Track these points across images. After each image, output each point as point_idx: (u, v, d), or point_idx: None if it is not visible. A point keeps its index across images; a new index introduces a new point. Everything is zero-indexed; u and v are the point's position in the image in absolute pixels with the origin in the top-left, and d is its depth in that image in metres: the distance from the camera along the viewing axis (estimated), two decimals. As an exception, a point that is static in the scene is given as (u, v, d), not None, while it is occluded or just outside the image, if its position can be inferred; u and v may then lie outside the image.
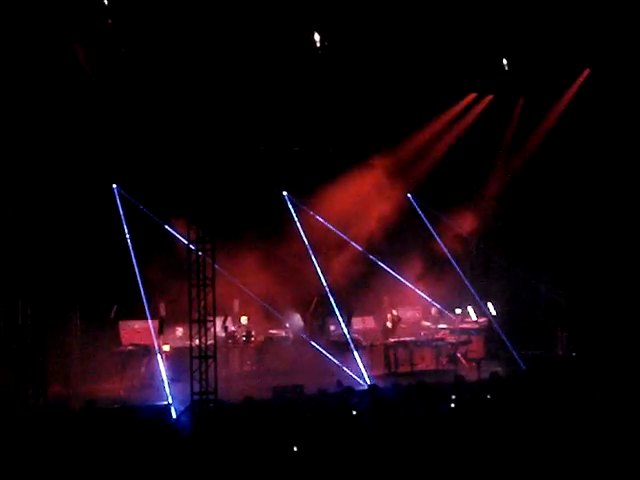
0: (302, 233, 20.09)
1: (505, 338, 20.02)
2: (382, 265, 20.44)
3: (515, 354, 19.60)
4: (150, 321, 18.26)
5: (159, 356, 17.72)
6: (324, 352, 18.77)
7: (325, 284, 19.72)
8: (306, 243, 20.03)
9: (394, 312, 20.14)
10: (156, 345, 18.20)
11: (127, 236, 18.62)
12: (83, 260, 18.25)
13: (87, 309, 18.44)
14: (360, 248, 20.34)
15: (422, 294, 20.60)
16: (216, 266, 15.98)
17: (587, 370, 18.23)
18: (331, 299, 19.60)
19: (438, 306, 20.58)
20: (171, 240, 18.62)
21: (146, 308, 18.08)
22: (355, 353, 18.65)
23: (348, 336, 19.09)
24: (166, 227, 18.71)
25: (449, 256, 21.11)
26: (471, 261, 22.14)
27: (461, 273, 21.04)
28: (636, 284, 20.70)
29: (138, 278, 18.17)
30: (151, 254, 18.73)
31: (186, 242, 15.97)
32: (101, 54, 16.96)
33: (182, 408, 15.32)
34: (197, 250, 15.60)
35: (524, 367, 19.21)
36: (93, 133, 17.50)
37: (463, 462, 10.70)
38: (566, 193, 21.24)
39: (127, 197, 18.62)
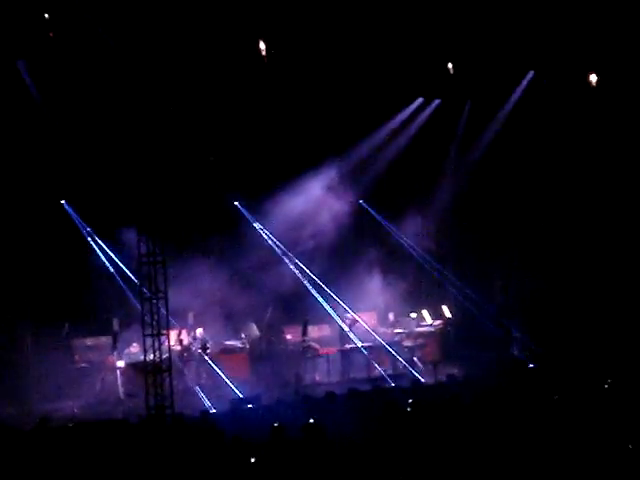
0: (258, 242, 20.04)
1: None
2: (318, 281, 20.36)
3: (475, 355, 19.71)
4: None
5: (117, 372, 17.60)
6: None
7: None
8: (261, 250, 19.98)
9: (347, 319, 20.14)
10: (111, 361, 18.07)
11: (89, 247, 18.47)
12: (34, 278, 18.04)
13: (38, 328, 18.22)
14: (298, 264, 20.23)
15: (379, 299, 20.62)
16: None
17: (542, 371, 18.38)
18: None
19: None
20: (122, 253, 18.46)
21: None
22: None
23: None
24: (114, 244, 18.57)
25: (411, 255, 21.20)
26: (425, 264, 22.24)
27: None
28: (589, 285, 20.97)
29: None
30: (102, 269, 18.60)
31: (137, 255, 15.78)
32: (43, 68, 16.77)
33: None
34: (148, 262, 15.43)
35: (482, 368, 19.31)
36: (38, 148, 17.31)
37: (421, 468, 10.71)
38: (517, 193, 21.44)
39: (73, 215, 18.48)
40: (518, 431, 12.14)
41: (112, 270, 18.65)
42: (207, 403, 16.69)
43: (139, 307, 15.61)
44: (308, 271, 20.14)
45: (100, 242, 18.88)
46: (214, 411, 15.88)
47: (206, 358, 19.10)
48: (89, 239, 18.90)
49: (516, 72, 20.53)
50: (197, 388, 18.41)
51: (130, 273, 17.93)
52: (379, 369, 19.49)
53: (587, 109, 20.39)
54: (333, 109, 19.21)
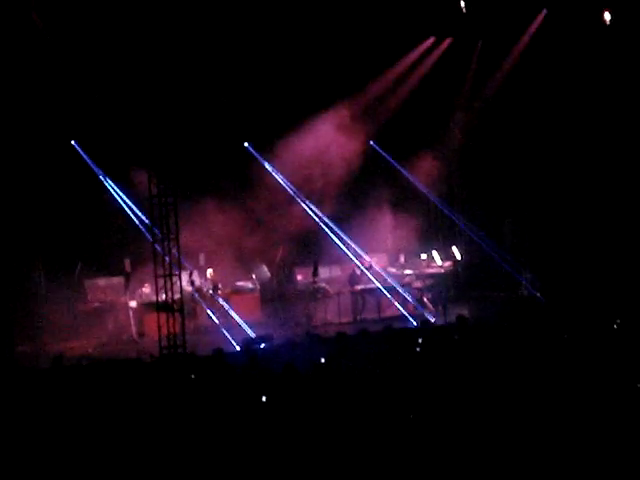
0: (269, 183, 20.02)
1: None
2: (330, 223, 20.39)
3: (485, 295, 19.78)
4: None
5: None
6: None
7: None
8: (272, 193, 19.96)
9: (364, 261, 20.20)
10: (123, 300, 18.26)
11: (103, 185, 18.51)
12: (46, 218, 18.13)
13: (51, 267, 18.38)
14: (309, 205, 20.23)
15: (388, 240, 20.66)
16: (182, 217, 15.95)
17: (552, 311, 18.45)
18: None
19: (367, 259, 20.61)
20: (134, 194, 18.48)
21: None
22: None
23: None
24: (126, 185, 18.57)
25: (420, 194, 21.17)
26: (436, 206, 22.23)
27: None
28: (599, 226, 20.95)
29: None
30: (113, 210, 18.66)
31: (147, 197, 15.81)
32: (54, 7, 16.62)
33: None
34: (160, 204, 15.48)
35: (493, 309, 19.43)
36: (49, 88, 17.24)
37: (430, 406, 10.83)
38: (528, 135, 21.31)
39: (85, 154, 18.47)
40: (526, 371, 12.25)
41: (124, 210, 18.67)
42: (219, 343, 16.83)
43: (151, 248, 15.70)
44: (319, 212, 20.14)
45: (112, 183, 18.88)
46: (226, 350, 16.00)
47: (217, 299, 19.26)
48: (101, 179, 18.90)
49: (529, 10, 20.24)
50: (209, 328, 18.62)
51: (142, 214, 17.97)
52: (391, 309, 19.62)
53: (600, 48, 20.15)
54: (344, 48, 19.00)
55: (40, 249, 18.20)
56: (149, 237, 16.12)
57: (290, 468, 9.27)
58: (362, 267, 19.82)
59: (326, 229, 20.26)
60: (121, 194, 18.87)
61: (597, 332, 15.01)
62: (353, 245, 20.44)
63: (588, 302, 18.28)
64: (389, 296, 19.32)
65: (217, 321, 19.11)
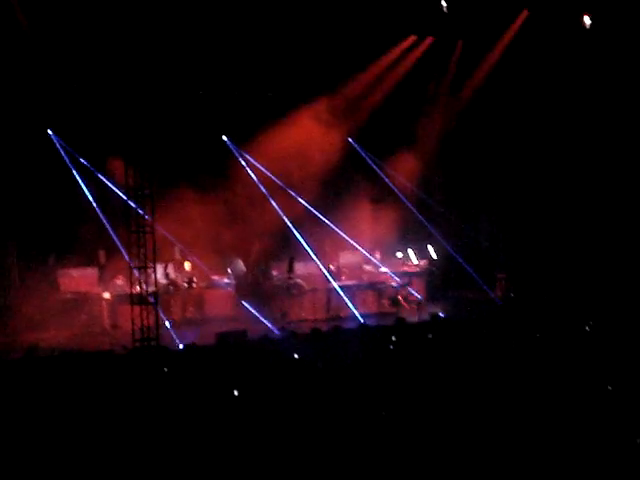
0: (246, 177, 19.95)
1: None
2: (317, 213, 20.37)
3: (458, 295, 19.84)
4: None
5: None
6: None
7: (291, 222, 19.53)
8: (249, 188, 19.89)
9: (335, 261, 20.22)
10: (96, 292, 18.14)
11: (74, 180, 18.36)
12: (20, 207, 17.98)
13: (25, 257, 18.22)
14: (300, 194, 20.24)
15: (355, 244, 20.61)
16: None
17: (525, 311, 18.56)
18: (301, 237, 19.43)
19: (365, 255, 20.63)
20: (108, 186, 18.36)
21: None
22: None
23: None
24: (102, 175, 18.44)
25: (398, 196, 21.18)
26: (412, 204, 22.26)
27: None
28: (575, 225, 21.08)
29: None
30: (89, 200, 18.55)
31: (124, 188, 15.73)
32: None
33: None
34: (136, 195, 15.39)
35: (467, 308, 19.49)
36: (26, 76, 17.09)
37: (402, 402, 10.86)
38: (506, 134, 21.41)
39: (60, 143, 18.33)
40: (498, 370, 12.31)
41: (98, 202, 18.55)
42: (192, 337, 16.77)
43: (126, 240, 15.61)
44: (304, 202, 20.09)
45: (87, 173, 18.73)
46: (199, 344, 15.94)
47: (192, 292, 19.19)
48: (76, 170, 18.76)
49: (510, 11, 20.31)
50: (182, 322, 18.56)
51: (118, 205, 17.84)
52: (363, 307, 19.63)
53: (580, 51, 20.27)
54: (325, 45, 18.97)
55: (13, 238, 18.04)
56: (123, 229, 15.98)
57: (260, 462, 9.26)
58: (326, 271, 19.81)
59: (300, 226, 20.23)
60: (98, 183, 18.70)
61: (569, 332, 15.13)
62: (328, 241, 20.47)
63: (562, 303, 18.42)
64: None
65: (191, 315, 19.09)
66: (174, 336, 16.54)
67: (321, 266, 19.63)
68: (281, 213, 19.98)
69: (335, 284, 19.37)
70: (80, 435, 10.23)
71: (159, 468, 9.41)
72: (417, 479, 8.85)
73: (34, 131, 18.10)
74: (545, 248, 21.13)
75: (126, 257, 15.74)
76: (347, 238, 20.19)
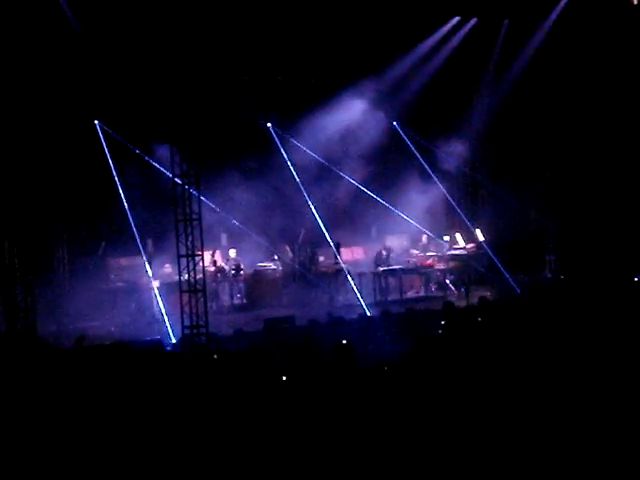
0: (289, 164, 19.93)
1: (497, 261, 20.05)
2: (370, 194, 20.32)
3: (508, 278, 19.64)
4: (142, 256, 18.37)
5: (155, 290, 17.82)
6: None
7: (315, 214, 19.59)
8: (294, 174, 19.86)
9: (386, 244, 20.18)
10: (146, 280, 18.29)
11: (113, 172, 18.48)
12: (69, 198, 18.17)
13: (75, 247, 18.44)
14: (347, 177, 20.19)
15: (411, 221, 20.53)
16: (202, 198, 15.92)
17: (575, 293, 18.33)
18: (323, 229, 19.51)
19: (429, 233, 20.52)
20: (156, 174, 18.45)
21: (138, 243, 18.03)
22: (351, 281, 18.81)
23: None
24: (150, 161, 18.52)
25: (438, 184, 21.01)
26: (459, 188, 22.10)
27: (451, 200, 21.00)
28: (624, 208, 20.77)
29: (129, 215, 18.09)
30: (137, 189, 18.68)
31: (170, 175, 15.79)
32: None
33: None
34: (183, 183, 15.47)
35: (517, 291, 19.28)
36: (71, 66, 17.23)
37: (453, 389, 10.77)
38: (554, 116, 21.13)
39: (109, 132, 18.46)
40: (550, 353, 12.17)
41: (146, 191, 18.67)
42: (240, 323, 16.85)
43: (173, 228, 15.70)
44: (353, 181, 20.04)
45: (135, 162, 18.83)
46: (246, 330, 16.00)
47: (239, 279, 19.28)
48: (124, 159, 18.87)
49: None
50: (231, 308, 18.66)
51: (165, 193, 17.93)
52: (413, 291, 19.58)
53: (628, 28, 19.89)
54: (368, 27, 18.84)
55: (63, 228, 18.25)
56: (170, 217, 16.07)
57: (311, 447, 9.26)
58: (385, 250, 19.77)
59: (349, 210, 20.18)
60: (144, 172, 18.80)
61: (619, 314, 14.91)
62: (374, 227, 20.43)
63: (612, 284, 18.16)
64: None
65: (239, 302, 19.19)
66: (222, 323, 16.61)
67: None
68: (332, 195, 19.94)
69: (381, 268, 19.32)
70: (131, 423, 10.30)
71: (212, 455, 9.46)
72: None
73: (81, 122, 18.26)
74: (596, 230, 20.82)
75: (174, 246, 15.80)
76: (402, 216, 20.05)
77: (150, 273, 18.17)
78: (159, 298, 17.58)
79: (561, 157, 21.39)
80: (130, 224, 18.37)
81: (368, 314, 17.19)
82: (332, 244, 19.45)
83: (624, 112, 20.63)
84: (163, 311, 17.12)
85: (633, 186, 20.82)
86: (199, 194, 15.56)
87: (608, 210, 20.84)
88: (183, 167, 15.49)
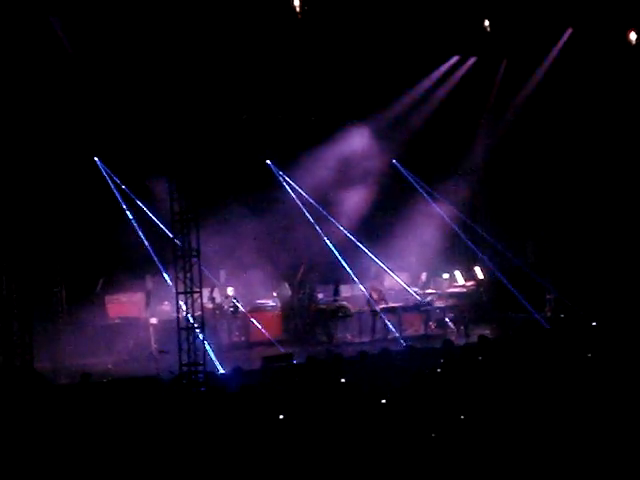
0: (290, 200, 19.95)
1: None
2: (360, 245, 20.29)
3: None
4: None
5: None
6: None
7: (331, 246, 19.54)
8: (293, 211, 19.88)
9: (375, 286, 20.10)
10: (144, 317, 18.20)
11: (120, 206, 18.52)
12: (67, 234, 18.15)
13: (73, 283, 18.37)
14: (341, 221, 20.16)
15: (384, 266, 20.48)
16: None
17: (576, 331, 18.27)
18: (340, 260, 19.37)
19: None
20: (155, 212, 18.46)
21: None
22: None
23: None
24: (143, 202, 18.56)
25: (437, 221, 21.03)
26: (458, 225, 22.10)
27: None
28: (623, 246, 20.78)
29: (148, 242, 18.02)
30: (134, 227, 18.68)
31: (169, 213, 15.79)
32: (77, 24, 16.69)
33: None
34: (181, 220, 15.46)
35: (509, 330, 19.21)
36: (70, 105, 17.30)
37: (452, 426, 10.71)
38: (552, 155, 21.19)
39: (106, 171, 18.51)
40: (548, 391, 12.10)
41: (145, 228, 18.66)
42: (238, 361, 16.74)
43: (172, 265, 15.66)
44: (342, 229, 20.05)
45: (134, 198, 18.86)
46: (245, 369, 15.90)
47: (238, 316, 19.20)
48: (121, 196, 18.89)
49: (554, 29, 20.14)
50: (229, 346, 18.54)
51: (164, 230, 17.94)
52: (412, 329, 19.49)
53: (626, 68, 20.02)
54: (367, 67, 18.96)
55: (61, 264, 18.20)
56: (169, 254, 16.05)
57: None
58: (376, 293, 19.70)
59: (346, 248, 20.16)
60: (144, 209, 18.82)
61: (621, 353, 14.84)
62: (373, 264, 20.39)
63: (613, 323, 18.11)
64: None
65: (237, 339, 19.09)
66: (220, 360, 16.51)
67: (365, 292, 19.56)
68: (329, 234, 19.93)
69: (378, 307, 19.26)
70: (129, 459, 10.23)
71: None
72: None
73: (80, 159, 18.30)
74: (594, 268, 20.80)
75: (171, 283, 15.76)
76: (383, 265, 20.04)
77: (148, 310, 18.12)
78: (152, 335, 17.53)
79: (560, 197, 21.40)
80: (129, 260, 18.33)
81: (366, 352, 17.07)
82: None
83: (623, 152, 20.69)
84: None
85: (631, 225, 20.82)
86: (198, 231, 15.53)
87: (607, 249, 20.84)
88: (182, 204, 15.48)
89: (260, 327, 18.77)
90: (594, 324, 18.28)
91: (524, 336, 18.32)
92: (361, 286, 19.85)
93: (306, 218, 19.98)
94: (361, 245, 20.07)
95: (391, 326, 19.17)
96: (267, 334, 18.77)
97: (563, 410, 11.13)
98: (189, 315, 15.34)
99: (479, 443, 10.00)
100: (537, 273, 21.45)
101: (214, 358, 16.26)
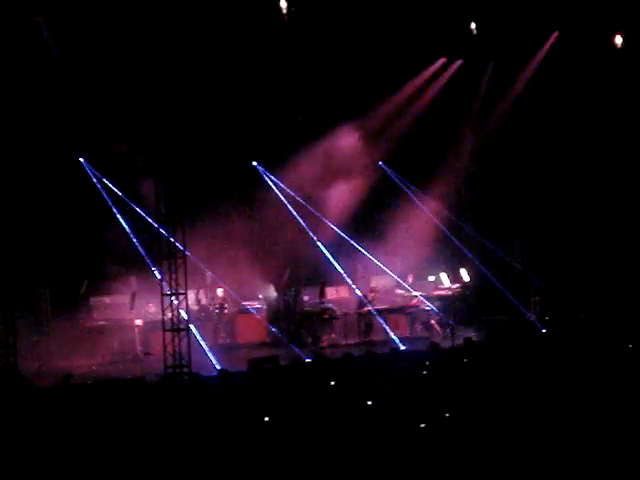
0: (276, 202, 19.91)
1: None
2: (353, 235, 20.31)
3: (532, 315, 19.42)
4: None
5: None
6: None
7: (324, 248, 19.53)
8: (279, 212, 19.83)
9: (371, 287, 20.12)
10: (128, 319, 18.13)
11: (107, 207, 18.44)
12: (51, 235, 18.07)
13: (57, 285, 18.28)
14: (331, 220, 20.15)
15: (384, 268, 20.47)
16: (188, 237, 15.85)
17: (559, 334, 18.32)
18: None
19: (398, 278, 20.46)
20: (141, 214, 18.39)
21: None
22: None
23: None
24: (132, 203, 18.49)
25: (423, 223, 21.02)
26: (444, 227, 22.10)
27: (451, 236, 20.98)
28: (608, 249, 20.83)
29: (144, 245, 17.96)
30: (121, 227, 18.60)
31: (155, 216, 15.75)
32: (63, 26, 16.62)
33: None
34: (167, 222, 15.41)
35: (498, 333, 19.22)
36: (56, 105, 17.23)
37: (438, 426, 10.70)
38: (538, 156, 21.23)
39: (92, 171, 18.43)
40: (532, 394, 12.12)
41: (130, 229, 18.58)
42: (223, 363, 16.70)
43: (158, 266, 15.62)
44: (335, 228, 20.02)
45: (119, 200, 18.77)
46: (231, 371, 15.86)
47: (223, 318, 19.15)
48: (108, 196, 18.80)
49: (540, 32, 20.19)
50: (214, 348, 18.48)
51: (149, 232, 17.87)
52: (396, 332, 19.46)
53: (612, 71, 20.10)
54: (354, 69, 18.95)
55: (46, 266, 18.11)
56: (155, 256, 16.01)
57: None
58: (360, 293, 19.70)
59: (332, 250, 20.14)
60: (131, 210, 18.73)
61: (607, 356, 14.89)
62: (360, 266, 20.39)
63: (599, 324, 18.17)
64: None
65: (223, 341, 19.04)
66: (206, 362, 16.46)
67: (357, 292, 19.55)
68: (316, 236, 19.91)
69: (367, 308, 19.25)
70: (112, 462, 10.18)
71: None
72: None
73: (65, 159, 18.22)
74: (580, 269, 20.84)
75: (158, 284, 15.70)
76: (378, 263, 20.07)
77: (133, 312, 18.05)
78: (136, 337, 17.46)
79: (547, 196, 21.43)
80: (113, 262, 18.25)
81: (351, 354, 17.05)
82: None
83: (610, 153, 20.76)
84: None
85: (618, 226, 20.89)
86: (184, 233, 15.48)
87: (594, 249, 20.90)
88: (168, 205, 15.44)
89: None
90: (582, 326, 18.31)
91: (509, 338, 18.37)
92: (354, 286, 19.83)
93: (292, 219, 19.92)
94: (354, 243, 20.03)
95: (386, 328, 19.19)
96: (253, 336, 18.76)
97: (549, 410, 11.15)
98: (174, 317, 15.28)
99: (465, 444, 10.00)
100: (524, 274, 21.49)
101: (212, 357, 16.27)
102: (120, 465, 10.07)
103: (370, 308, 19.43)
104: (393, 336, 18.60)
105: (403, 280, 20.73)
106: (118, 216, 18.60)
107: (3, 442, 10.98)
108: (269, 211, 19.83)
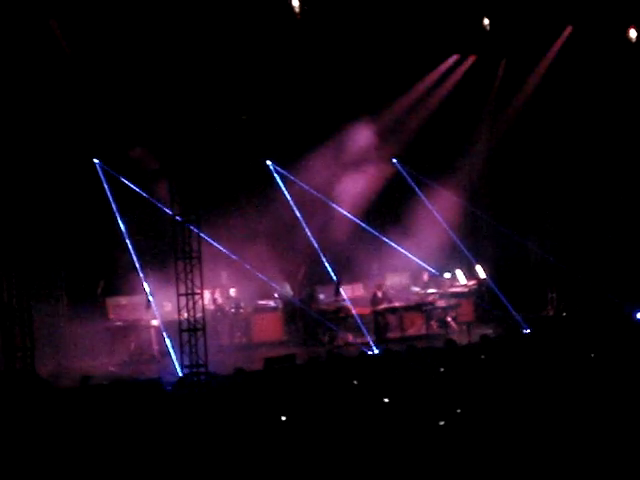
0: (289, 201, 19.91)
1: (502, 298, 19.92)
2: (370, 231, 20.29)
3: (517, 316, 19.45)
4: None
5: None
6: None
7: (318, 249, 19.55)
8: (294, 211, 19.84)
9: (380, 283, 20.05)
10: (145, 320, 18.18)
11: (114, 210, 18.48)
12: (68, 236, 18.16)
13: (74, 286, 18.37)
14: (347, 214, 20.15)
15: (414, 258, 20.44)
16: (204, 236, 15.88)
17: (578, 330, 18.23)
18: (327, 265, 19.45)
19: (432, 270, 20.40)
20: (156, 214, 18.41)
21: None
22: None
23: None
24: (150, 199, 18.51)
25: (439, 219, 20.95)
26: (460, 224, 22.03)
27: (454, 236, 20.89)
28: (624, 242, 20.74)
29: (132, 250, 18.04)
30: (136, 228, 18.65)
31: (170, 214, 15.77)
32: (76, 27, 16.68)
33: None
34: (182, 221, 15.44)
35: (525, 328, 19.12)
36: (72, 107, 17.31)
37: (455, 427, 10.68)
38: (554, 152, 21.16)
39: (109, 171, 18.48)
40: (550, 390, 12.08)
41: (145, 229, 18.64)
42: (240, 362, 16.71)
43: (173, 266, 15.64)
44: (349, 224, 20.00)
45: (135, 200, 18.81)
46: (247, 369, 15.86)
47: (239, 317, 19.17)
48: (123, 198, 18.85)
49: (553, 28, 20.10)
50: (231, 347, 18.51)
51: (165, 232, 17.89)
52: (414, 328, 19.45)
53: (626, 65, 19.99)
54: (367, 66, 18.94)
55: (62, 267, 18.20)
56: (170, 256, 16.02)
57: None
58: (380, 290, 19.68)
59: (348, 248, 20.13)
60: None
61: (623, 351, 14.82)
62: (375, 264, 20.38)
63: (613, 321, 18.09)
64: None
65: (239, 340, 19.07)
66: (222, 362, 16.49)
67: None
68: (331, 233, 19.89)
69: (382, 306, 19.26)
70: (130, 462, 10.21)
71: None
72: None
73: (80, 161, 18.30)
74: (597, 265, 20.74)
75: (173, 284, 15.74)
76: (403, 252, 20.01)
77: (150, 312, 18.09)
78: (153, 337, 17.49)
79: (562, 193, 21.36)
80: (129, 262, 18.31)
81: (369, 352, 17.05)
82: (335, 279, 19.37)
83: (624, 148, 20.66)
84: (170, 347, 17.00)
85: (633, 221, 20.80)
86: (199, 232, 15.52)
87: (609, 245, 20.80)
88: (183, 205, 15.47)
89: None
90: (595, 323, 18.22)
91: (526, 335, 18.31)
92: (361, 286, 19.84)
93: (307, 218, 19.93)
94: (377, 233, 20.00)
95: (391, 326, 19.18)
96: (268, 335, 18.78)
97: (566, 409, 11.11)
98: (190, 317, 15.32)
99: (481, 442, 9.97)
100: (540, 270, 21.42)
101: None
102: (139, 465, 10.10)
103: (386, 306, 19.43)
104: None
105: (418, 277, 20.70)
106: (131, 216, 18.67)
107: (23, 444, 11.03)
108: (284, 209, 19.85)
